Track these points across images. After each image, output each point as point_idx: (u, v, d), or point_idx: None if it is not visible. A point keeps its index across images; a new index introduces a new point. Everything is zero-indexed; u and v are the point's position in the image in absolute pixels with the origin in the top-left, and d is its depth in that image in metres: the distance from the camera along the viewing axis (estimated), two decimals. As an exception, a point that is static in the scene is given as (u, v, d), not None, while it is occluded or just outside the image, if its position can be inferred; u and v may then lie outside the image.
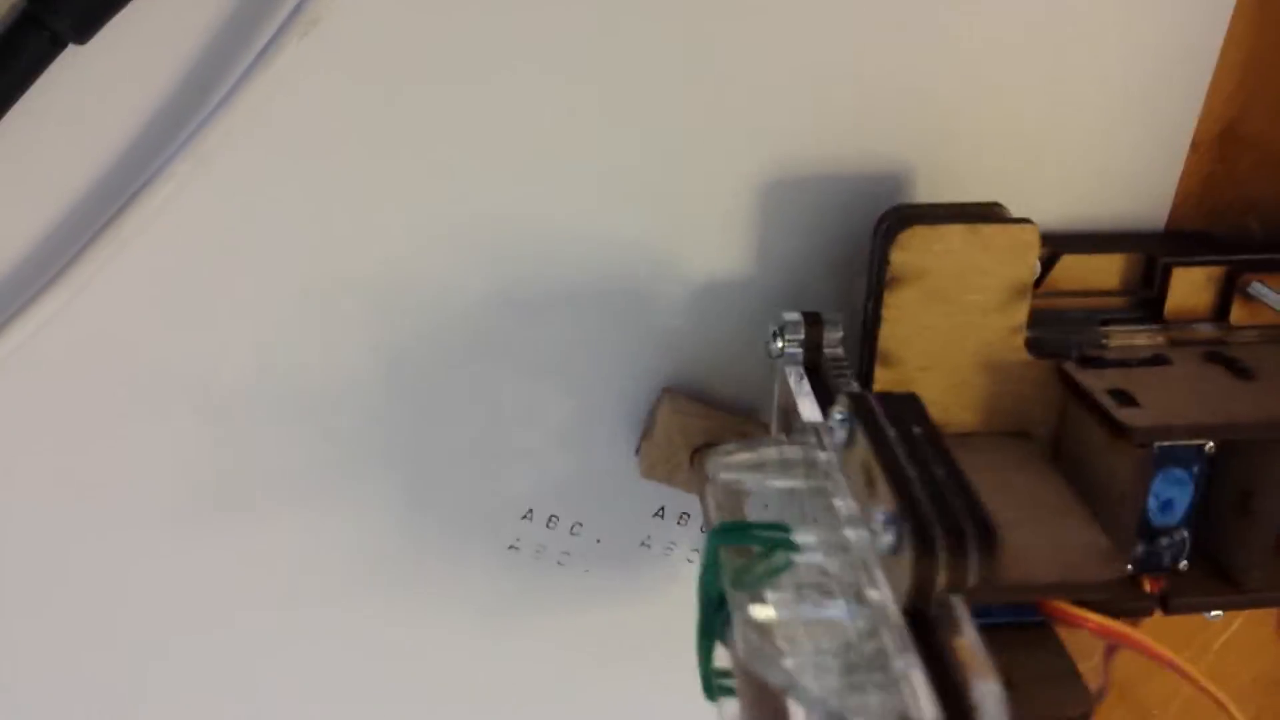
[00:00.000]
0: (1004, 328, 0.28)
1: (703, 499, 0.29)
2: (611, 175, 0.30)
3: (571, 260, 0.31)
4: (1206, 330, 0.31)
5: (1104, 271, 0.31)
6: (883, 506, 0.21)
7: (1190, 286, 0.31)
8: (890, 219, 0.28)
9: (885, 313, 0.28)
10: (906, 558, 0.20)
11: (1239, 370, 0.29)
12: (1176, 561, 0.28)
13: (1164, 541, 0.28)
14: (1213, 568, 0.29)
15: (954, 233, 0.27)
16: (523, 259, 0.31)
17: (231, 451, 0.32)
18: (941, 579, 0.19)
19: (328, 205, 0.30)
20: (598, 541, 0.35)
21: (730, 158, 0.30)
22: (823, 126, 0.30)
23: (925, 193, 0.31)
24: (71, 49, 0.26)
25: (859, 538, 0.23)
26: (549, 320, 0.32)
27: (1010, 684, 0.19)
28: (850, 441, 0.23)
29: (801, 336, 0.29)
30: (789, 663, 0.23)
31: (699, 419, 0.33)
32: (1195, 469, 0.28)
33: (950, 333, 0.28)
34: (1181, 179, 0.32)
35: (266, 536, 0.34)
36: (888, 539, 0.20)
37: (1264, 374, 0.28)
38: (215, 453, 0.32)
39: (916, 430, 0.22)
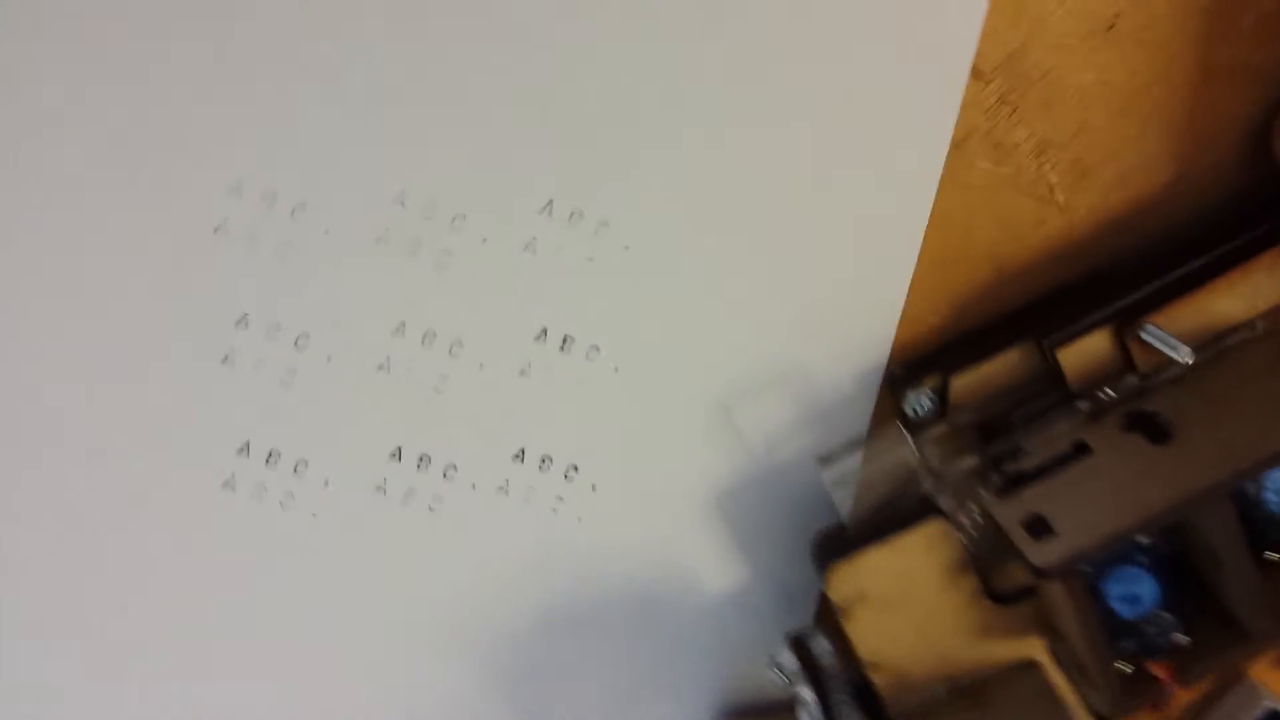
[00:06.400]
0: (962, 598, 0.30)
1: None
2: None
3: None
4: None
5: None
6: None
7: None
8: (817, 554, 0.30)
9: (852, 638, 0.30)
10: None
11: (1158, 433, 0.28)
12: (1170, 639, 0.28)
13: (1150, 629, 0.29)
14: (1217, 625, 0.29)
15: (873, 556, 0.29)
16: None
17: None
18: None
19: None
20: None
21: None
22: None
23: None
24: None
25: None
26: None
27: None
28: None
29: (796, 665, 0.31)
30: None
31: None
32: (1145, 558, 0.28)
33: (918, 626, 0.30)
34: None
35: None
36: None
37: (1181, 429, 0.27)
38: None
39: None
